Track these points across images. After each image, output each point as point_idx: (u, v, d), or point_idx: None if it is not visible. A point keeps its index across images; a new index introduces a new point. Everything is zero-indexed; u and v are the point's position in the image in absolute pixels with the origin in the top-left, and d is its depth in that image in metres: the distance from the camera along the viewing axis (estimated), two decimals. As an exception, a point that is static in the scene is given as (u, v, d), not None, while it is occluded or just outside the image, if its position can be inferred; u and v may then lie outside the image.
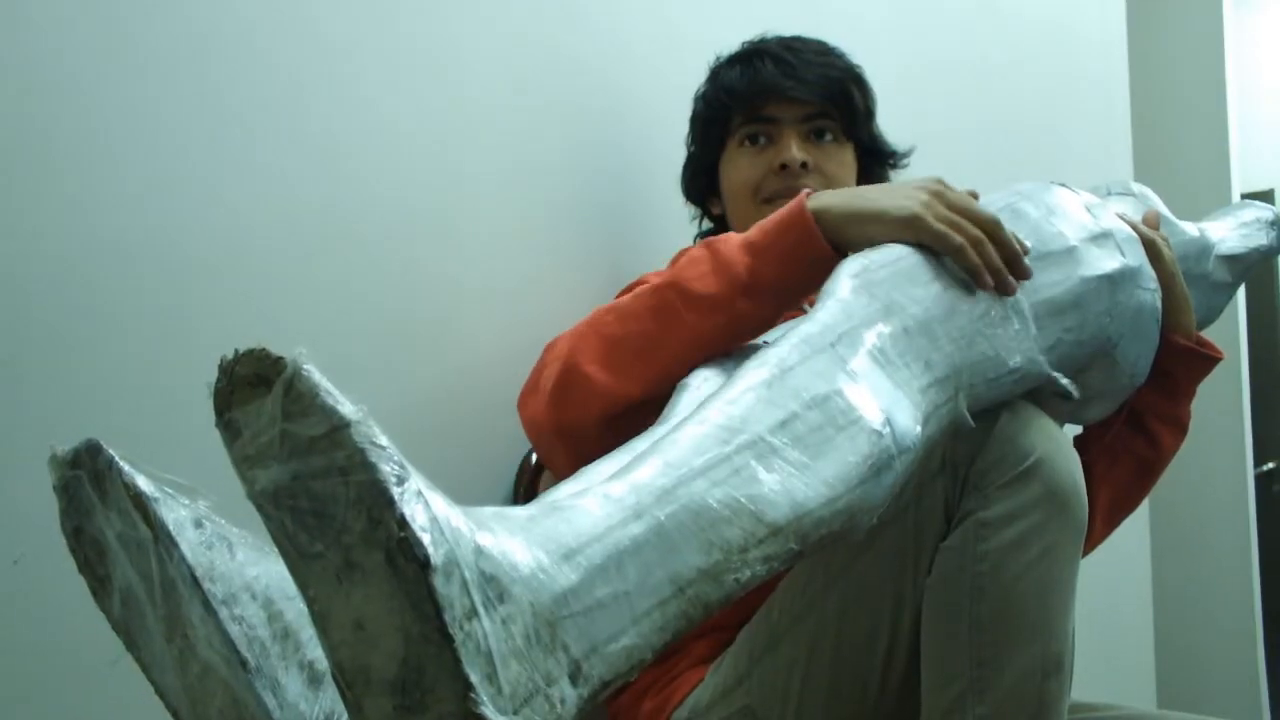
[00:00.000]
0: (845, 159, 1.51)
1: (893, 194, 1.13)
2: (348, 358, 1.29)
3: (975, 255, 1.08)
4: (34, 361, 1.08)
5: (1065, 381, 1.14)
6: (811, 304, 1.04)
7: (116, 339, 1.13)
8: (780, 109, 1.48)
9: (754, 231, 1.17)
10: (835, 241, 1.12)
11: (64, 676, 1.07)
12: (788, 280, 1.14)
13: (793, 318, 1.05)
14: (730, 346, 1.15)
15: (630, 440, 0.93)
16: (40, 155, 1.10)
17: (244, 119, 1.25)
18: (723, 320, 1.14)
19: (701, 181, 1.58)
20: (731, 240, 1.18)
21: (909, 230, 1.09)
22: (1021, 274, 1.11)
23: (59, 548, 0.77)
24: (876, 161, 1.58)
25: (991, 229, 1.11)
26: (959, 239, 1.08)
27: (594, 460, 1.01)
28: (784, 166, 1.46)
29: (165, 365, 1.15)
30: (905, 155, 1.60)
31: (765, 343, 1.09)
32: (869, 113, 1.55)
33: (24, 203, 1.08)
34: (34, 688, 1.06)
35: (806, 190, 1.16)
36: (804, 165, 1.46)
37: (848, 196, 1.15)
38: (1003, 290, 1.09)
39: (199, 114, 1.21)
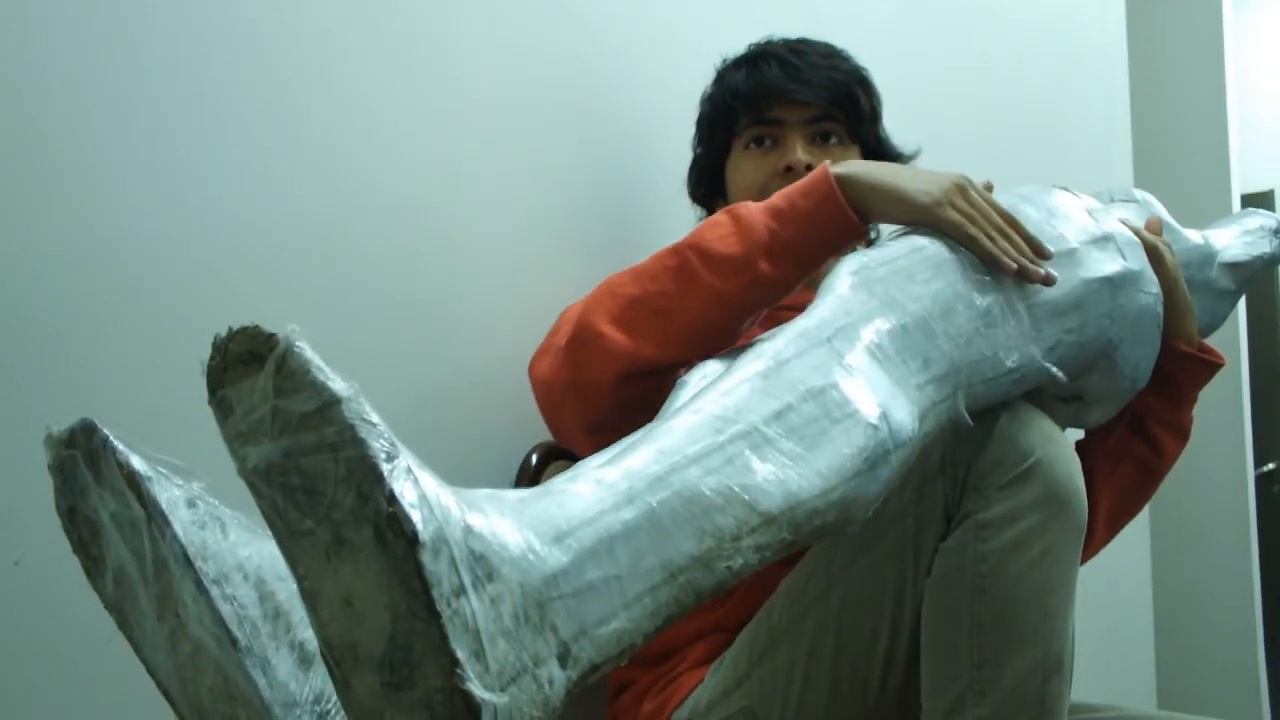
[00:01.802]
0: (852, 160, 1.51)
1: (918, 178, 1.17)
2: (347, 355, 1.29)
3: (989, 244, 1.12)
4: (34, 362, 1.09)
5: (1055, 371, 1.14)
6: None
7: (116, 335, 1.14)
8: (785, 112, 1.48)
9: (776, 197, 1.19)
10: (857, 210, 1.16)
11: (64, 677, 1.08)
12: (809, 244, 1.16)
13: (785, 318, 1.05)
14: (751, 309, 1.17)
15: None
16: (39, 152, 1.10)
17: (244, 116, 1.25)
18: (744, 281, 1.14)
19: (707, 183, 1.58)
20: (753, 205, 1.19)
21: (927, 215, 1.14)
22: (1044, 256, 1.16)
23: (59, 549, 0.77)
24: None
25: (1011, 221, 1.16)
26: (973, 229, 1.12)
27: (606, 421, 1.01)
28: (789, 169, 1.45)
29: (164, 358, 1.15)
30: (912, 158, 1.60)
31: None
32: (875, 115, 1.54)
33: (21, 201, 1.09)
34: (34, 688, 1.07)
35: (828, 162, 1.19)
36: (808, 168, 1.45)
37: (873, 169, 1.18)
38: (1027, 276, 1.13)
39: (199, 112, 1.21)
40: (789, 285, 1.17)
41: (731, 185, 1.53)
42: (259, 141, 1.26)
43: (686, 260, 1.17)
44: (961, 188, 1.16)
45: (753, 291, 1.15)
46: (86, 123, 1.13)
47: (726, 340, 1.15)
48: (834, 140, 1.50)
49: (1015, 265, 1.12)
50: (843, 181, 1.16)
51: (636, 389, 1.14)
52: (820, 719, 1.17)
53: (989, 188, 1.22)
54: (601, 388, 1.15)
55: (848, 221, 1.15)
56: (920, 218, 1.14)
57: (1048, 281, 1.14)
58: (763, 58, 1.52)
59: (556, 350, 1.21)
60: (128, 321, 1.15)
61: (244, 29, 1.26)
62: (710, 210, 1.60)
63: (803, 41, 1.53)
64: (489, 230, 1.50)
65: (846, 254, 1.16)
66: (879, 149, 1.55)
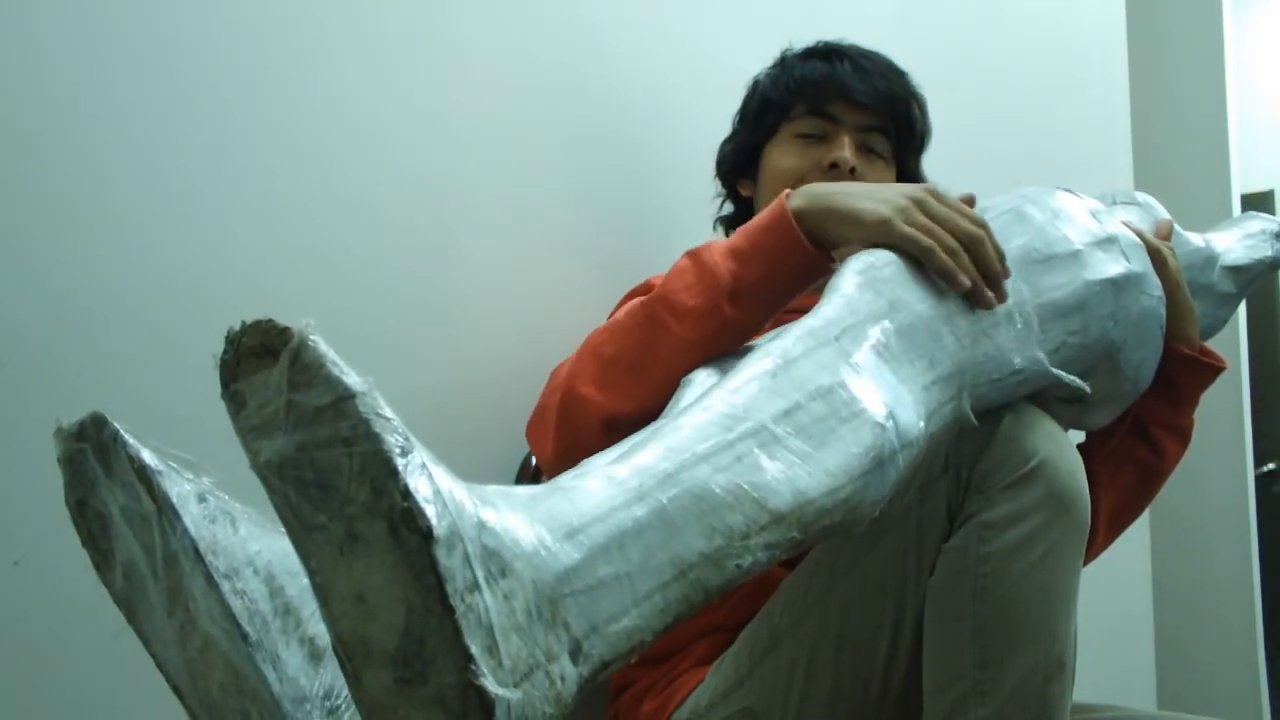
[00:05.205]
0: (889, 179, 1.52)
1: (872, 196, 1.12)
2: (348, 352, 1.29)
3: (945, 258, 1.05)
4: (34, 361, 1.08)
5: (1070, 378, 1.14)
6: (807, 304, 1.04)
7: (126, 330, 1.14)
8: (844, 110, 1.49)
9: (738, 235, 1.17)
10: (816, 240, 1.12)
11: (64, 677, 1.07)
12: (774, 282, 1.14)
13: (788, 320, 1.05)
14: (723, 352, 1.15)
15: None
16: (41, 151, 1.10)
17: (249, 120, 1.26)
18: (712, 328, 1.14)
19: (741, 161, 1.58)
20: (715, 248, 1.17)
21: (879, 233, 1.08)
22: (998, 292, 1.08)
23: (59, 549, 0.77)
24: None
25: (972, 243, 1.08)
26: (927, 241, 1.06)
27: None
28: (834, 166, 1.46)
29: (174, 352, 1.15)
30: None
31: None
32: (922, 142, 1.56)
33: (26, 198, 1.09)
34: (34, 688, 1.06)
35: (787, 191, 1.16)
36: (852, 170, 1.46)
37: (827, 195, 1.13)
38: (977, 300, 1.07)
39: (205, 116, 1.22)
40: (759, 324, 1.16)
41: (768, 168, 1.53)
42: (264, 144, 1.27)
43: (655, 313, 1.17)
44: (919, 201, 1.10)
45: (722, 337, 1.14)
46: (95, 122, 1.14)
47: None
48: (879, 153, 1.51)
49: (968, 282, 1.05)
50: (799, 214, 1.12)
51: (622, 437, 1.12)
52: (821, 719, 1.17)
53: (969, 200, 1.18)
54: (590, 446, 1.07)
55: (808, 255, 1.12)
56: (874, 237, 1.08)
57: (991, 305, 1.08)
58: (835, 54, 1.53)
59: (549, 425, 1.24)
60: (138, 316, 1.15)
61: (248, 35, 1.26)
62: (731, 190, 1.61)
63: (871, 51, 1.55)
64: (491, 230, 1.51)
65: (818, 285, 1.12)
66: (915, 178, 1.56)
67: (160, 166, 1.18)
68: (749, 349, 1.04)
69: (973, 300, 1.06)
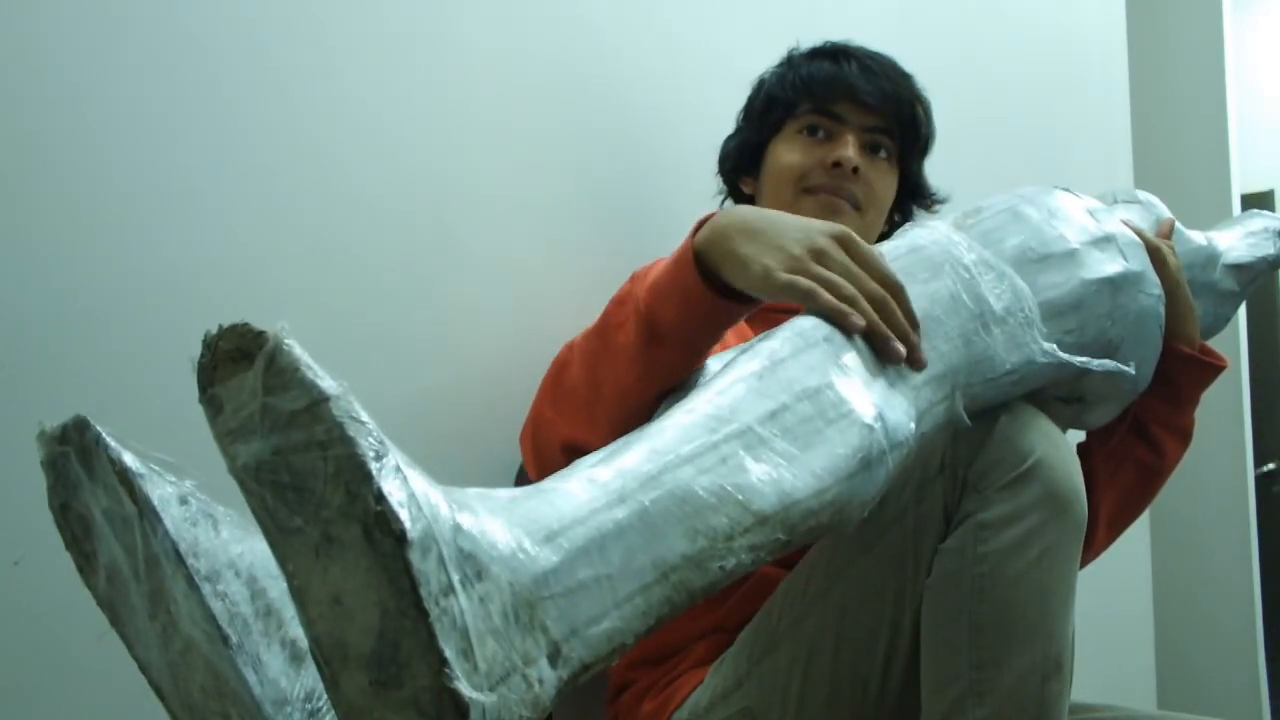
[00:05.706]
0: (890, 181, 1.53)
1: (770, 240, 1.03)
2: (346, 354, 1.30)
3: (828, 298, 0.97)
4: (34, 361, 1.09)
5: (1064, 355, 1.13)
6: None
7: (111, 333, 1.14)
8: (850, 110, 1.50)
9: (663, 266, 1.13)
10: (718, 283, 1.07)
11: (63, 677, 1.08)
12: (688, 325, 1.10)
13: (780, 320, 1.03)
14: (661, 388, 1.13)
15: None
16: (34, 151, 1.10)
17: (243, 118, 1.26)
18: (644, 368, 1.13)
19: (744, 159, 1.59)
20: (650, 275, 1.15)
21: (762, 284, 1.02)
22: (913, 353, 0.99)
23: (59, 549, 0.77)
24: (912, 197, 1.59)
25: (870, 298, 0.99)
26: (806, 285, 0.98)
27: None
28: (837, 164, 1.47)
29: (158, 356, 1.16)
30: (941, 201, 1.61)
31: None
32: (925, 145, 1.57)
33: (16, 200, 1.09)
34: (33, 688, 1.07)
35: (707, 215, 1.11)
36: (855, 170, 1.46)
37: (731, 233, 1.06)
38: (881, 351, 0.97)
39: (199, 114, 1.22)
40: (688, 363, 1.13)
41: (771, 164, 1.54)
42: (265, 144, 1.27)
43: (599, 347, 1.18)
44: (819, 250, 1.01)
45: (656, 375, 1.12)
46: (95, 122, 1.14)
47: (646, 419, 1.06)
48: (883, 154, 1.52)
49: (862, 322, 0.96)
50: (703, 251, 1.07)
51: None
52: (820, 719, 1.17)
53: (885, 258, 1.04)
54: (553, 467, 1.01)
55: (709, 301, 1.07)
56: (757, 287, 1.02)
57: (913, 364, 0.99)
58: (843, 54, 1.54)
59: (526, 438, 1.31)
60: (137, 316, 1.16)
61: (248, 35, 1.26)
62: (732, 189, 1.62)
63: (878, 54, 1.55)
64: (491, 230, 1.51)
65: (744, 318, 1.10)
66: (917, 182, 1.57)
67: (160, 166, 1.18)
68: (744, 348, 1.04)
69: (877, 349, 0.97)
